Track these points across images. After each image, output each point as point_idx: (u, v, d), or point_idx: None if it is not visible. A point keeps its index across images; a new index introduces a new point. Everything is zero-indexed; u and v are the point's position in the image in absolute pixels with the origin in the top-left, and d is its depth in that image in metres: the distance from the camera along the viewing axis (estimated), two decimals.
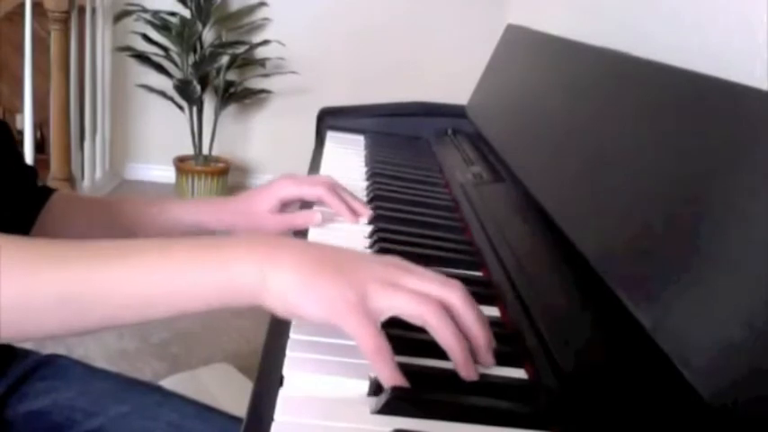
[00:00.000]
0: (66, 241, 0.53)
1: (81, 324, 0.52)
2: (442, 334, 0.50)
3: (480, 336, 0.52)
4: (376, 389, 0.50)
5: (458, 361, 0.51)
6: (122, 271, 0.51)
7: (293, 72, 3.23)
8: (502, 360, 0.55)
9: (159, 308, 0.52)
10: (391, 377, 0.49)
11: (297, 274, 0.51)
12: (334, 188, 0.84)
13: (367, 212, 0.84)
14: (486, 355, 0.53)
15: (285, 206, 0.85)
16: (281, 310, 0.51)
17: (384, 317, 0.51)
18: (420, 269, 0.55)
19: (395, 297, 0.51)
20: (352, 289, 0.50)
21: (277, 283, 0.51)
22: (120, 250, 0.53)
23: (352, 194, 0.86)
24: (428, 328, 0.51)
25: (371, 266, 0.53)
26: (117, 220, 0.85)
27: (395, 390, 0.48)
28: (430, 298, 0.51)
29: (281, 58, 3.26)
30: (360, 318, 0.49)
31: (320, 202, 0.84)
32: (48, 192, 0.86)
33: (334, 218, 0.83)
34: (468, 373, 0.51)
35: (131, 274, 0.51)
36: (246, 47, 3.17)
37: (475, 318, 0.52)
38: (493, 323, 0.61)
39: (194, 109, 3.14)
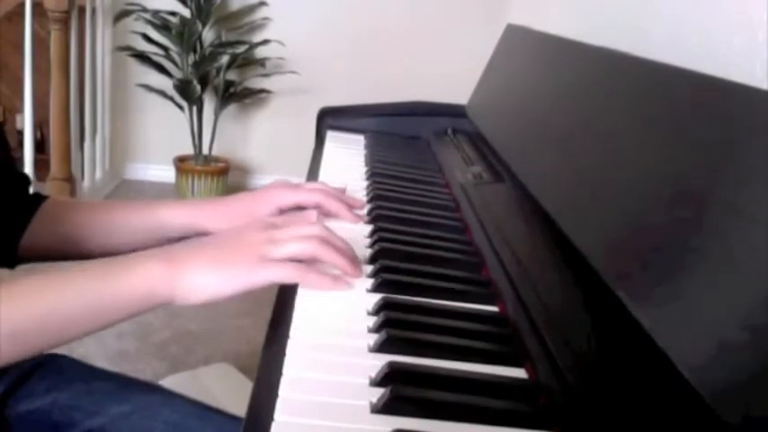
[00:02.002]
0: (12, 281, 0.60)
1: (35, 349, 0.61)
2: (331, 256, 0.65)
3: (349, 251, 0.67)
4: (378, 382, 0.50)
5: (347, 268, 0.66)
6: (51, 300, 0.60)
7: (293, 72, 3.23)
8: (502, 360, 0.55)
9: (97, 321, 0.61)
10: (325, 283, 0.63)
11: (203, 264, 0.61)
12: (331, 193, 0.85)
13: (362, 213, 0.86)
14: (358, 266, 0.67)
15: (282, 213, 0.85)
16: (198, 299, 0.61)
17: (285, 259, 0.63)
18: (288, 222, 0.70)
19: (287, 246, 0.64)
20: (253, 254, 0.62)
21: (187, 277, 0.60)
22: (48, 280, 0.61)
23: (349, 197, 0.87)
24: (318, 258, 0.64)
25: (256, 234, 0.65)
26: (108, 224, 0.85)
27: (395, 390, 0.48)
28: (311, 237, 0.65)
29: (281, 58, 3.26)
30: (270, 266, 0.61)
31: (318, 208, 0.84)
32: (40, 199, 0.86)
33: (333, 219, 0.83)
34: (357, 273, 0.66)
35: (58, 301, 0.60)
36: (246, 46, 3.17)
37: (339, 238, 0.67)
38: (493, 323, 0.62)
39: (194, 109, 3.14)
